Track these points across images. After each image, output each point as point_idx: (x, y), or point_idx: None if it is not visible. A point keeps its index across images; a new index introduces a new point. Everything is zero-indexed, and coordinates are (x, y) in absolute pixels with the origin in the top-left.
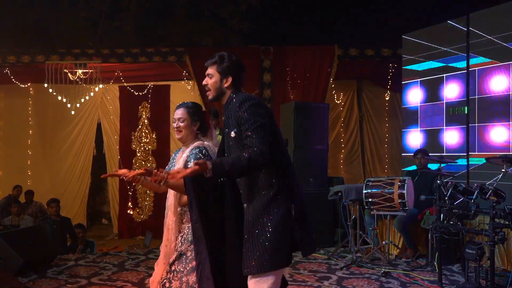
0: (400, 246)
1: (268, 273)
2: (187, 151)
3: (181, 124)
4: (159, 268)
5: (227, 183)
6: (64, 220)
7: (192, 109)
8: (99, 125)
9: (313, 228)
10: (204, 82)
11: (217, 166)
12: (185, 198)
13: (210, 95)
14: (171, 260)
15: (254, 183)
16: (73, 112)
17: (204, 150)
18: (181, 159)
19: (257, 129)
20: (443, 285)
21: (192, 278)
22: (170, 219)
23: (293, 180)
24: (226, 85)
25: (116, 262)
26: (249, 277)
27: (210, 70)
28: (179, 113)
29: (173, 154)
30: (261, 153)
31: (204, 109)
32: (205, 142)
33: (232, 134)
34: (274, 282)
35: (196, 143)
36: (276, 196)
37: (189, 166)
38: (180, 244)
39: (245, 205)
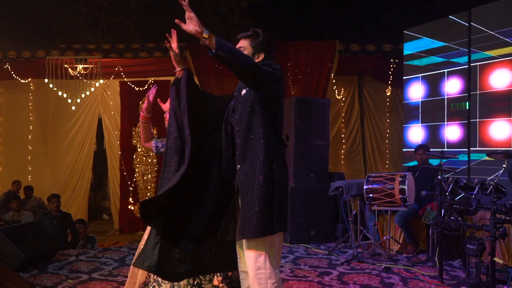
0: (400, 241)
1: (269, 237)
2: None
3: None
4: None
5: (216, 155)
6: (65, 215)
7: None
8: (99, 120)
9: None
10: None
11: (221, 40)
12: None
13: None
14: None
15: (251, 144)
16: (73, 108)
17: None
18: None
19: (264, 67)
20: (444, 281)
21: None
22: None
23: (282, 156)
24: (257, 60)
25: (117, 257)
26: (245, 244)
27: (243, 43)
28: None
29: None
30: (259, 69)
31: None
32: None
33: (243, 91)
34: (276, 245)
35: None
36: (270, 160)
37: None
38: None
39: (238, 166)
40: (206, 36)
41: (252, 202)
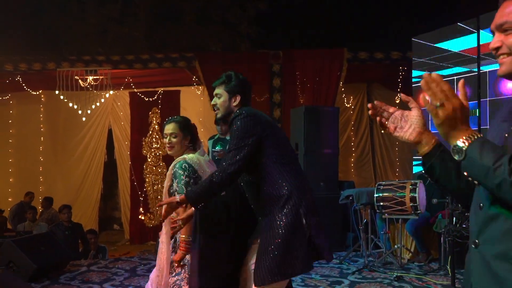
0: (412, 250)
1: (277, 282)
2: (171, 167)
3: (174, 140)
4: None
5: (233, 198)
6: (76, 226)
7: (182, 124)
8: (110, 131)
9: (327, 234)
10: (212, 103)
11: (188, 198)
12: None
13: (219, 113)
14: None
15: (261, 196)
16: (84, 119)
17: (184, 164)
18: (167, 176)
19: (234, 151)
20: None
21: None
22: (162, 231)
23: (302, 187)
24: (234, 103)
25: (128, 267)
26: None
27: (218, 90)
28: (170, 128)
29: None
30: (224, 176)
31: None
32: (189, 155)
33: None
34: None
35: (179, 158)
36: (284, 206)
37: (174, 183)
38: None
39: (259, 218)
40: (181, 201)
41: (268, 248)
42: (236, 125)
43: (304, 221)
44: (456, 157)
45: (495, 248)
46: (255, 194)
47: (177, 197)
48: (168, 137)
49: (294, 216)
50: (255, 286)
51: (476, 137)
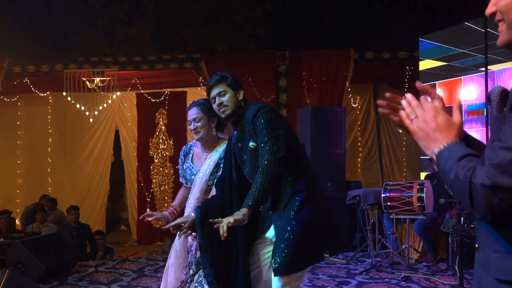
0: (420, 250)
1: (299, 272)
2: (218, 154)
3: (198, 124)
4: (173, 273)
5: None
6: (84, 227)
7: (206, 106)
8: (117, 132)
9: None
10: (218, 102)
11: (253, 208)
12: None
13: (228, 111)
14: (191, 271)
15: (276, 191)
16: (91, 120)
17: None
18: (213, 163)
19: (272, 139)
20: None
21: None
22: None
23: (313, 181)
24: (240, 98)
25: (135, 268)
26: (276, 278)
27: (220, 88)
28: (193, 113)
29: (181, 153)
30: (275, 162)
31: None
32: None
33: (251, 145)
34: (302, 277)
35: (221, 147)
36: (300, 199)
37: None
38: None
39: (270, 212)
40: (248, 214)
41: (289, 240)
42: (262, 118)
43: (318, 214)
44: (434, 167)
45: (480, 254)
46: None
47: (241, 213)
48: (192, 123)
49: (310, 209)
50: (276, 275)
51: (447, 143)
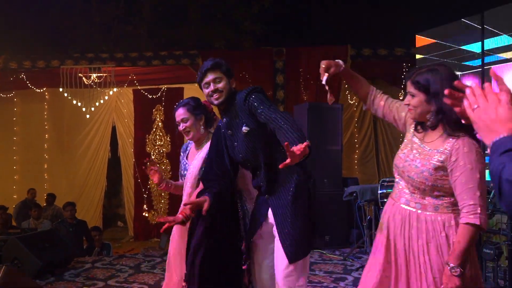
0: None
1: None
2: (206, 150)
3: (186, 124)
4: (175, 267)
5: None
6: (80, 223)
7: (192, 105)
8: (113, 128)
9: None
10: (212, 88)
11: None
12: None
13: (221, 97)
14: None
15: (275, 174)
16: (88, 116)
17: None
18: (201, 158)
19: (272, 106)
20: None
21: None
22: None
23: (308, 171)
24: (233, 86)
25: (132, 264)
26: (282, 266)
27: (216, 74)
28: (180, 114)
29: (182, 150)
30: (291, 118)
31: (216, 110)
32: None
33: (244, 129)
34: (305, 267)
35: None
36: (297, 182)
37: None
38: None
39: (266, 196)
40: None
41: (289, 230)
42: (255, 96)
43: (311, 201)
44: None
45: None
46: (267, 172)
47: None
48: (180, 124)
49: (305, 195)
50: (290, 263)
51: (503, 135)
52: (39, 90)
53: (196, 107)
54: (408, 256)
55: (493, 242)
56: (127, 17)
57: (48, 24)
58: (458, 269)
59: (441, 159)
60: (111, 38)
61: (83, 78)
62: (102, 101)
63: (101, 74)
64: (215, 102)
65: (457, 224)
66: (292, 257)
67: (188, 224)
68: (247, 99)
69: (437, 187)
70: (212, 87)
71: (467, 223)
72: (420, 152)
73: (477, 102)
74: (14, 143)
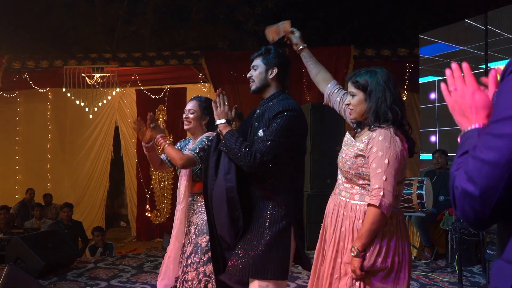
0: (418, 246)
1: (267, 281)
2: (196, 141)
3: (191, 116)
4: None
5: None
6: (76, 224)
7: (204, 103)
8: (116, 128)
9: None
10: (248, 75)
11: (229, 137)
12: (196, 186)
13: (253, 85)
14: (186, 254)
15: (258, 193)
16: (91, 116)
17: (211, 138)
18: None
19: (273, 141)
20: (464, 287)
21: (209, 268)
22: (178, 207)
23: (298, 202)
24: (271, 76)
25: (135, 264)
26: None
27: (255, 62)
28: (190, 105)
29: (178, 145)
30: (258, 159)
31: None
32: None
33: (260, 133)
34: None
35: (207, 134)
36: (279, 208)
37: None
38: (194, 236)
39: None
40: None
41: (257, 241)
42: (282, 120)
43: (292, 232)
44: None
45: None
46: (255, 188)
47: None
48: (186, 113)
49: (284, 225)
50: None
51: (473, 127)
52: (42, 90)
53: (207, 107)
54: (333, 242)
55: (496, 243)
56: (130, 17)
57: (51, 24)
58: (356, 250)
59: (360, 147)
60: (114, 39)
61: (86, 78)
62: (105, 101)
63: (104, 74)
64: (251, 88)
65: None
66: (248, 273)
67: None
68: (278, 115)
69: (361, 175)
70: (248, 74)
71: (368, 204)
72: (348, 145)
73: (454, 84)
74: (17, 143)
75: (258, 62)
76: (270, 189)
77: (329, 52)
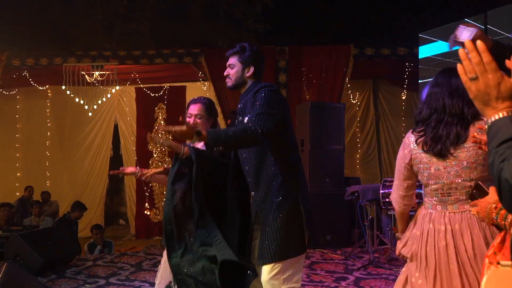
0: None
1: (284, 262)
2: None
3: (199, 121)
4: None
5: (230, 173)
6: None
7: (209, 106)
8: (116, 126)
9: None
10: (225, 73)
11: (209, 134)
12: None
13: (230, 83)
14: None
15: (262, 172)
16: (90, 114)
17: None
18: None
19: (265, 114)
20: None
21: None
22: None
23: (300, 173)
24: (248, 74)
25: (133, 262)
26: (264, 269)
27: (231, 60)
28: (196, 109)
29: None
30: (257, 133)
31: (219, 109)
32: None
33: (246, 120)
34: (294, 270)
35: None
36: (283, 185)
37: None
38: None
39: (252, 193)
40: (201, 134)
41: (270, 228)
42: (264, 93)
43: (301, 207)
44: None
45: None
46: (255, 168)
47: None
48: (193, 118)
49: (293, 200)
50: (266, 263)
51: (503, 115)
52: (41, 88)
53: (211, 109)
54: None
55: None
56: (130, 15)
57: (51, 21)
58: None
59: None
60: (114, 36)
61: (86, 76)
62: (104, 99)
63: (104, 72)
64: (227, 85)
65: None
66: (270, 258)
67: None
68: (258, 91)
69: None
70: (225, 72)
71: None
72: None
73: (474, 72)
74: (17, 141)
75: (234, 60)
76: (268, 171)
77: (329, 51)
